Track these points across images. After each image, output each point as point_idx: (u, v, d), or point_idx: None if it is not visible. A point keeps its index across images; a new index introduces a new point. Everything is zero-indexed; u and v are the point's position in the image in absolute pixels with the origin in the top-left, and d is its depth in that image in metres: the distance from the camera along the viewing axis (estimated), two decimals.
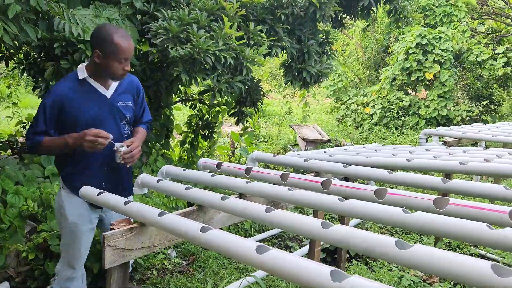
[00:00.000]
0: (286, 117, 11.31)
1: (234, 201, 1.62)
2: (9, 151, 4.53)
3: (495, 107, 10.26)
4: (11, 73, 7.03)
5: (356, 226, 4.16)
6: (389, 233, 4.17)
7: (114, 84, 2.16)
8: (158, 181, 2.05)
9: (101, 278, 2.68)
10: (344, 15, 4.78)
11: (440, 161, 2.41)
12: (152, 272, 3.18)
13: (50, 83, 3.30)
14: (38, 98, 3.50)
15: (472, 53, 10.04)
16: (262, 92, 4.56)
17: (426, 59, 9.89)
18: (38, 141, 2.06)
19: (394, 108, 10.50)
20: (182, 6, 3.29)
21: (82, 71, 2.08)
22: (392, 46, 11.16)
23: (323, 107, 14.26)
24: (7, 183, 2.91)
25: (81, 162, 2.14)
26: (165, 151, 4.54)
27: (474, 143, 5.45)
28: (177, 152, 5.32)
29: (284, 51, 3.88)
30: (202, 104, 4.96)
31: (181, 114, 9.43)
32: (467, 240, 1.22)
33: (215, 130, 5.09)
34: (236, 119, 4.66)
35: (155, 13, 3.19)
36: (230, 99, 4.77)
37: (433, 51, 9.83)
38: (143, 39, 3.34)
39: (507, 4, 11.50)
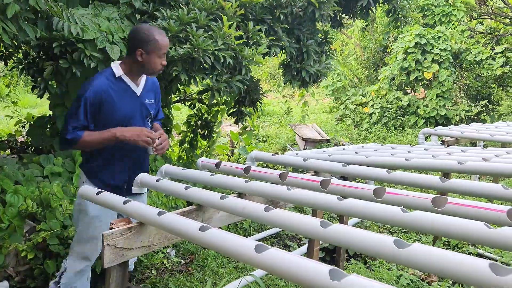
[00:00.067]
0: (285, 116, 11.31)
1: (233, 200, 1.62)
2: (8, 151, 4.52)
3: (494, 106, 10.28)
4: (10, 72, 7.02)
5: (355, 225, 4.16)
6: (388, 232, 4.17)
7: (142, 83, 2.28)
8: (157, 180, 2.05)
9: (101, 277, 2.68)
10: (343, 15, 4.78)
11: (439, 161, 2.41)
12: (151, 271, 3.18)
13: (49, 82, 3.30)
14: (37, 97, 3.50)
15: (471, 52, 10.06)
16: (261, 92, 4.57)
17: (425, 59, 9.89)
18: (78, 136, 2.09)
19: (393, 108, 10.51)
20: (181, 5, 3.29)
21: (118, 69, 2.18)
22: (391, 45, 11.17)
23: (322, 107, 14.26)
24: (6, 182, 2.91)
25: (110, 156, 2.22)
26: None
27: (473, 143, 5.46)
28: (176, 152, 5.32)
29: (283, 51, 3.88)
30: (201, 104, 4.96)
31: (180, 114, 9.42)
32: (466, 239, 1.23)
33: (214, 129, 5.09)
34: (235, 118, 4.66)
35: (154, 12, 3.19)
36: (229, 99, 4.77)
37: (432, 50, 9.84)
38: None
39: (505, 4, 11.52)
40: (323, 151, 3.37)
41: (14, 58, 3.68)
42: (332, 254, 3.37)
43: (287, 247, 3.85)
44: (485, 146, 5.08)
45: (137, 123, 2.24)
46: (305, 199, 1.65)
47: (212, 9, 3.27)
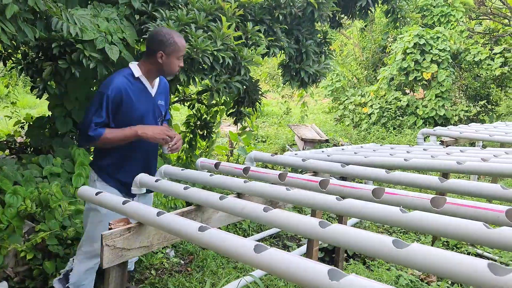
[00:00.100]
0: (284, 117, 11.31)
1: (232, 200, 1.62)
2: (7, 151, 4.52)
3: (493, 107, 10.29)
4: (9, 73, 7.01)
5: (354, 225, 4.16)
6: (387, 233, 4.18)
7: (156, 84, 2.37)
8: (156, 180, 2.06)
9: (100, 278, 2.68)
10: (342, 15, 4.78)
11: (438, 161, 2.42)
12: (150, 271, 3.18)
13: (48, 83, 3.29)
14: (36, 98, 3.50)
15: (470, 53, 10.06)
16: (260, 92, 4.57)
17: (424, 59, 9.90)
18: (100, 133, 2.14)
19: (392, 108, 10.52)
20: (180, 6, 3.28)
21: (136, 70, 2.25)
22: (390, 46, 11.18)
23: (321, 107, 14.27)
24: (5, 183, 2.91)
25: (125, 154, 2.28)
26: None
27: (472, 143, 5.47)
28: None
29: (282, 51, 3.88)
30: (200, 104, 4.96)
31: (179, 114, 9.42)
32: (464, 239, 1.23)
33: (214, 130, 5.09)
34: (234, 119, 4.66)
35: (153, 13, 3.19)
36: (228, 99, 4.77)
37: (431, 51, 9.85)
38: (141, 39, 3.34)
39: (504, 4, 11.54)
40: (322, 152, 3.38)
41: (13, 58, 3.68)
42: (331, 254, 3.37)
43: (286, 247, 3.85)
44: (484, 146, 5.08)
45: (150, 123, 2.31)
46: (304, 200, 1.65)
47: (211, 9, 3.27)
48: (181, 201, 3.77)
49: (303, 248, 3.51)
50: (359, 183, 1.98)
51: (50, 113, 3.94)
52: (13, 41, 2.58)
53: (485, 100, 10.07)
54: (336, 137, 9.34)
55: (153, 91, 2.34)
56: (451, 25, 10.89)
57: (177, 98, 4.99)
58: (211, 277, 3.09)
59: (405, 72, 10.18)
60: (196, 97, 4.81)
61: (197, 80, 3.16)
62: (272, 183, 1.93)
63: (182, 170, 2.23)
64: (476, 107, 9.97)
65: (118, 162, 2.29)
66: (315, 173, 2.48)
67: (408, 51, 10.02)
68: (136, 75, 2.24)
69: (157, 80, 2.38)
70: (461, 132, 4.57)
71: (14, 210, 2.76)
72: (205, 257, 3.39)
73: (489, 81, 10.07)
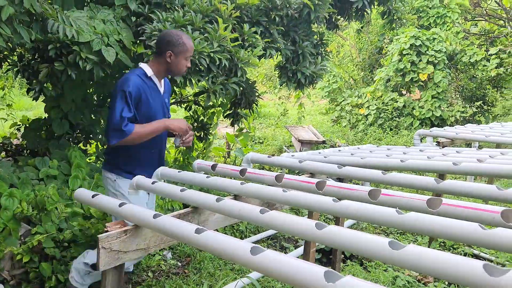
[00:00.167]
0: (281, 118, 11.31)
1: (229, 202, 1.62)
2: (3, 153, 4.50)
3: (488, 107, 10.33)
4: (5, 75, 6.99)
5: (351, 226, 4.17)
6: (384, 234, 4.18)
7: (163, 84, 2.48)
8: (153, 182, 2.05)
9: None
10: (338, 17, 4.80)
11: (434, 162, 2.42)
12: (147, 274, 3.17)
13: (45, 85, 3.29)
14: (33, 100, 3.49)
15: (466, 54, 10.11)
16: (257, 94, 4.57)
17: (420, 60, 9.94)
18: (132, 128, 2.21)
19: (388, 109, 10.54)
20: (176, 8, 3.28)
21: (148, 69, 2.35)
22: (386, 47, 11.22)
23: (318, 108, 14.29)
24: (1, 185, 2.89)
25: (142, 149, 2.37)
26: None
27: (468, 144, 5.49)
28: (172, 154, 5.31)
29: (279, 53, 3.89)
30: (197, 106, 4.96)
31: (176, 116, 9.41)
32: (460, 240, 1.23)
33: (210, 131, 5.08)
34: (231, 120, 4.67)
35: (150, 15, 3.19)
36: (225, 101, 4.77)
37: (427, 52, 9.88)
38: (138, 41, 3.33)
39: (499, 6, 11.60)
40: (319, 153, 3.38)
41: (9, 60, 3.67)
42: (328, 256, 3.37)
43: (283, 249, 3.85)
44: (480, 147, 5.11)
45: (159, 119, 2.41)
46: (301, 201, 1.65)
47: (208, 11, 3.27)
48: (178, 203, 3.76)
49: (300, 250, 3.51)
50: (356, 184, 1.98)
51: (46, 115, 3.93)
52: (9, 43, 2.58)
53: (481, 101, 10.11)
54: (333, 138, 9.35)
55: (161, 90, 2.45)
56: (447, 26, 10.94)
57: (174, 100, 4.99)
58: (208, 279, 3.09)
59: (401, 73, 10.21)
60: (193, 98, 4.81)
61: (193, 81, 3.16)
62: (269, 185, 1.93)
63: (179, 172, 2.22)
64: (472, 108, 10.01)
65: (135, 157, 2.39)
66: (312, 174, 2.49)
67: (404, 52, 10.05)
68: (149, 75, 2.34)
69: (163, 79, 2.49)
70: (457, 133, 4.59)
71: (10, 212, 2.75)
72: (203, 259, 3.39)
73: (485, 82, 10.12)
